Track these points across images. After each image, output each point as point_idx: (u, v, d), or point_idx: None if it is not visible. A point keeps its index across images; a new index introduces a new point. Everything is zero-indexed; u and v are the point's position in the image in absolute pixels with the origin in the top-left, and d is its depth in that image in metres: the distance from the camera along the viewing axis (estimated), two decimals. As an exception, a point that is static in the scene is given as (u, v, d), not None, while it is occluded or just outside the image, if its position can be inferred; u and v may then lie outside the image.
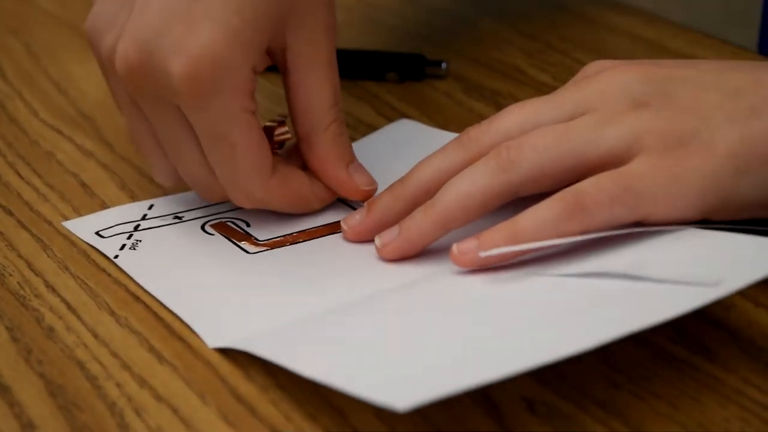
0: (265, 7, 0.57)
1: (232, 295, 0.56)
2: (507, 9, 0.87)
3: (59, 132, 0.72)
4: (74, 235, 0.61)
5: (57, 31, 0.87)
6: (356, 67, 0.77)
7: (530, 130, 0.56)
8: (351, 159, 0.61)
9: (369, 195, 0.61)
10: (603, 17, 0.85)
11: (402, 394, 0.45)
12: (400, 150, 0.67)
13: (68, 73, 0.80)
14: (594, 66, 0.59)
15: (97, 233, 0.61)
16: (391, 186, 0.59)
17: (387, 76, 0.78)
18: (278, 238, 0.60)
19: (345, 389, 0.46)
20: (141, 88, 0.57)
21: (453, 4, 0.88)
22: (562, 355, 0.46)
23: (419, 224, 0.57)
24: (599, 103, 0.56)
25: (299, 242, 0.60)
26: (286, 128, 0.62)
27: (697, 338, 0.53)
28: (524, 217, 0.54)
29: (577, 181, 0.54)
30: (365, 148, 0.66)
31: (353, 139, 0.70)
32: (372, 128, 0.72)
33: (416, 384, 0.46)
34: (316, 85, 0.60)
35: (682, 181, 0.53)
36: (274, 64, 0.61)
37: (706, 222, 0.54)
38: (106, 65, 0.59)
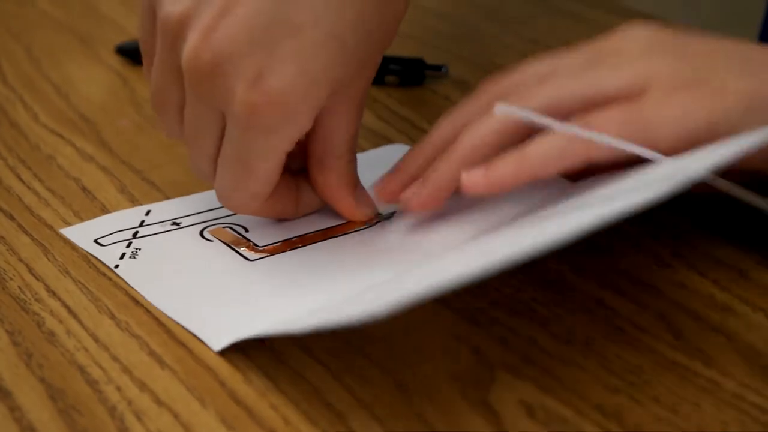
0: (348, 68, 0.56)
1: (238, 303, 0.56)
2: (507, 13, 0.87)
3: (60, 136, 0.72)
4: (75, 239, 0.61)
5: (58, 35, 0.87)
6: (356, 71, 0.77)
7: (547, 78, 0.58)
8: (356, 185, 0.61)
9: (369, 219, 0.62)
10: (603, 20, 0.85)
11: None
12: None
13: (69, 77, 0.80)
14: (620, 27, 0.60)
15: (95, 241, 0.61)
16: (417, 145, 0.60)
17: (387, 79, 0.78)
18: (277, 244, 0.60)
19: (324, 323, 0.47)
20: (199, 88, 0.56)
21: (453, 9, 0.89)
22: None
23: (439, 171, 0.58)
24: (614, 52, 0.58)
25: (298, 247, 0.60)
26: None
27: (695, 343, 0.53)
28: (533, 143, 0.55)
29: None
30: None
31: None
32: (372, 132, 0.72)
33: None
34: (349, 119, 0.59)
35: (692, 114, 0.54)
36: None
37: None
38: (165, 30, 0.56)
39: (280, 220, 0.62)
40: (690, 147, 0.54)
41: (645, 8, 0.88)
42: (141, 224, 0.62)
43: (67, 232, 0.62)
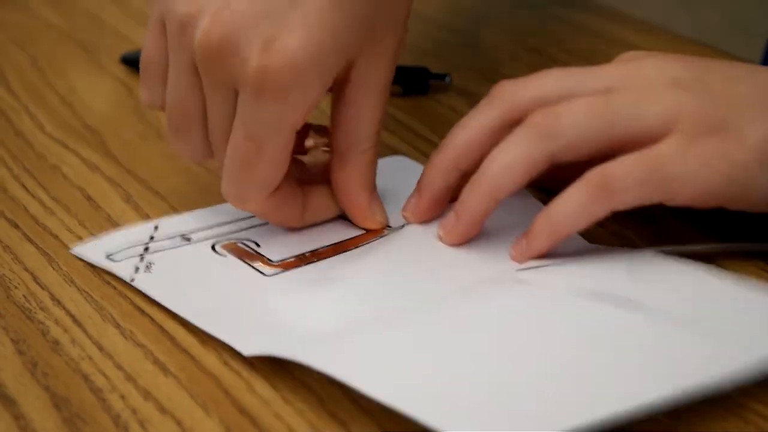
0: (356, 34, 0.57)
1: (262, 313, 0.56)
2: (510, 23, 0.87)
3: (65, 145, 0.72)
4: (79, 248, 0.62)
5: (63, 45, 0.87)
6: (360, 81, 0.77)
7: (567, 97, 0.58)
8: (373, 188, 0.62)
9: (377, 228, 0.62)
10: (607, 30, 0.86)
11: (450, 420, 0.45)
12: (389, 184, 0.65)
13: (74, 86, 0.80)
14: (630, 53, 0.61)
15: (108, 257, 0.60)
16: (436, 158, 0.61)
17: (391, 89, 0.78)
18: (291, 259, 0.60)
19: (389, 403, 0.47)
20: (213, 67, 0.57)
21: (456, 19, 0.89)
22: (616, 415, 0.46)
23: (471, 204, 0.59)
24: (638, 81, 0.58)
25: (312, 262, 0.60)
26: (324, 139, 0.62)
27: (698, 351, 0.53)
28: (557, 206, 0.56)
29: (612, 152, 0.56)
30: None
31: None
32: (376, 141, 0.72)
33: (465, 413, 0.46)
34: (369, 108, 0.60)
35: (710, 168, 0.55)
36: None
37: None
38: (175, 28, 0.58)
39: (289, 229, 0.62)
40: (706, 201, 0.56)
41: (651, 18, 0.88)
42: (151, 239, 0.62)
43: (78, 251, 0.61)
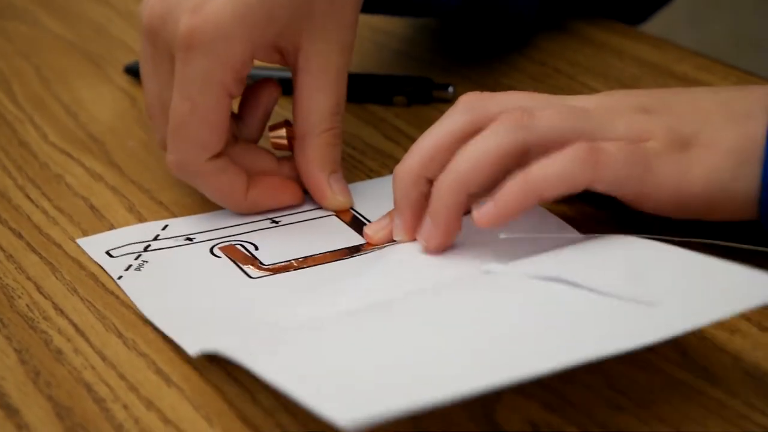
0: (287, 8, 0.61)
1: (222, 319, 0.56)
2: (514, 34, 0.87)
3: (69, 155, 0.72)
4: (83, 257, 0.62)
5: (67, 56, 0.87)
6: (363, 91, 0.77)
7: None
8: (335, 169, 0.64)
9: (342, 208, 0.64)
10: (611, 42, 0.86)
11: (349, 410, 0.43)
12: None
13: (78, 97, 0.80)
14: (601, 92, 0.61)
15: (107, 252, 0.61)
16: (400, 169, 0.60)
17: (394, 99, 0.78)
18: (283, 264, 0.60)
19: (294, 395, 0.45)
20: (155, 39, 0.62)
21: (459, 30, 0.89)
22: (535, 372, 0.46)
23: (442, 199, 0.58)
24: (607, 105, 0.59)
25: (304, 268, 0.60)
26: (282, 131, 0.65)
27: (701, 362, 0.53)
28: (538, 167, 0.56)
29: None
30: (359, 191, 0.66)
31: (360, 164, 0.70)
32: (379, 152, 0.72)
33: (367, 399, 0.45)
34: (320, 92, 0.63)
35: (690, 173, 0.56)
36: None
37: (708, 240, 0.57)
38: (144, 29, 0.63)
39: (306, 239, 0.62)
40: (683, 206, 0.57)
41: (659, 32, 0.88)
42: (155, 238, 0.63)
43: (82, 242, 0.62)
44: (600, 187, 0.56)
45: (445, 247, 0.59)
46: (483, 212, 0.56)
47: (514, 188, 0.55)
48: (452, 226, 0.58)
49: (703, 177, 0.56)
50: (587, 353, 0.46)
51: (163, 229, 0.64)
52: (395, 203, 0.60)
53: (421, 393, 0.45)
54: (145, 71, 0.64)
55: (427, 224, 0.59)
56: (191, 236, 0.63)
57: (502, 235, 0.58)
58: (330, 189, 0.64)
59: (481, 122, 0.58)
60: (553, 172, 0.55)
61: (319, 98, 0.63)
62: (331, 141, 0.64)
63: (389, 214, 0.62)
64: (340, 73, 0.64)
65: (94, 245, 0.62)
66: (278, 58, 0.64)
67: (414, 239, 0.60)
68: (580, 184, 0.56)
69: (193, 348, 0.53)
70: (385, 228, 0.62)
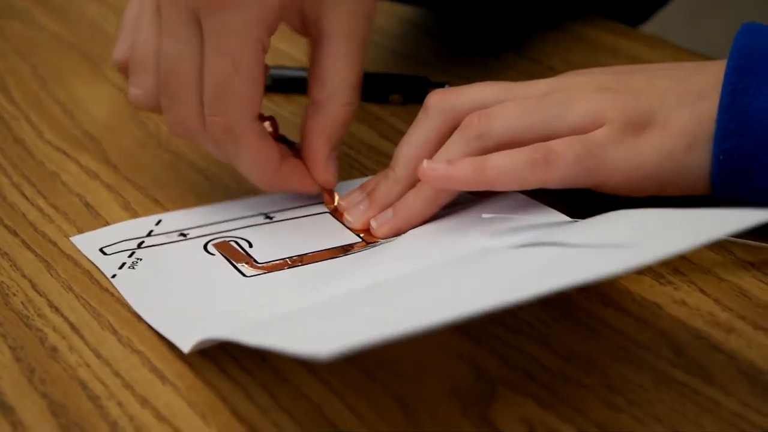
0: None
1: (216, 318, 0.56)
2: (509, 33, 0.87)
3: (64, 153, 0.72)
4: (78, 254, 0.61)
5: (64, 54, 0.87)
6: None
7: (502, 102, 0.61)
8: (335, 147, 0.64)
9: (327, 187, 0.64)
10: (605, 40, 0.86)
11: (325, 345, 0.43)
12: None
13: (74, 95, 0.80)
14: (569, 72, 0.65)
15: (100, 250, 0.61)
16: (385, 173, 0.63)
17: (390, 98, 0.78)
18: (277, 261, 0.60)
19: (273, 346, 0.46)
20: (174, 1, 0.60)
21: (455, 29, 0.89)
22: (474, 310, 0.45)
23: (412, 206, 0.61)
24: (567, 87, 0.62)
25: (298, 266, 0.60)
26: (266, 125, 0.64)
27: (696, 361, 0.53)
28: (495, 156, 0.59)
29: None
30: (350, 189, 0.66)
31: (356, 163, 0.70)
32: (375, 151, 0.72)
33: (338, 337, 0.46)
34: (344, 60, 0.63)
35: (640, 153, 0.59)
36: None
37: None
38: None
39: (300, 237, 0.62)
40: (638, 186, 0.60)
41: (656, 31, 0.88)
42: (149, 234, 0.63)
43: (76, 239, 0.62)
44: (552, 186, 0.59)
45: (387, 236, 0.62)
46: (433, 167, 0.60)
47: (468, 168, 0.59)
48: (408, 228, 0.62)
49: (655, 159, 0.59)
50: (558, 282, 0.47)
51: (157, 224, 0.64)
52: (372, 197, 0.63)
53: (390, 327, 0.45)
54: (142, 24, 0.63)
55: (388, 215, 0.62)
56: (185, 231, 0.63)
57: (485, 215, 0.60)
58: (326, 166, 0.64)
59: (451, 123, 0.62)
60: (504, 172, 0.59)
61: (342, 66, 0.63)
62: (345, 118, 0.63)
63: (361, 187, 0.64)
64: (362, 44, 0.63)
65: (87, 243, 0.62)
66: (298, 24, 0.63)
67: (364, 229, 0.63)
68: (532, 185, 0.59)
69: (187, 346, 0.53)
70: (359, 203, 0.63)
